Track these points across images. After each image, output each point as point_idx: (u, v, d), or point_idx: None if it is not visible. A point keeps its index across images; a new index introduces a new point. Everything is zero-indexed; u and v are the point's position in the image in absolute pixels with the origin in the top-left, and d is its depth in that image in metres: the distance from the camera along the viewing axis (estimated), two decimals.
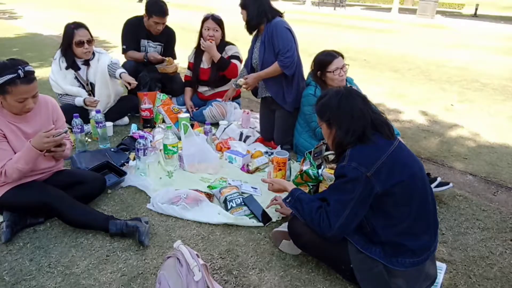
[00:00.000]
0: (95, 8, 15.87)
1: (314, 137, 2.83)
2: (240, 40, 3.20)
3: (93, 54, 3.29)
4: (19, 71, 1.85)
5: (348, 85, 2.83)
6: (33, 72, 1.94)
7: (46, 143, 1.94)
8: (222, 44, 3.57)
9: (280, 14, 2.92)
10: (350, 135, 1.58)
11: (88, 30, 3.19)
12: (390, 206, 1.55)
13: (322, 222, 1.58)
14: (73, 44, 3.13)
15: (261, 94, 3.12)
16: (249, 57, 3.13)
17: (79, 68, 3.26)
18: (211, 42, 3.45)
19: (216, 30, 3.48)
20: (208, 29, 3.47)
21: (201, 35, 3.53)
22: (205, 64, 3.64)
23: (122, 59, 3.79)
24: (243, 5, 2.92)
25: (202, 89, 3.75)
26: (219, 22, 3.50)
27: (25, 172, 1.98)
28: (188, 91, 3.82)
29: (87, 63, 3.27)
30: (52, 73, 3.26)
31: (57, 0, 18.26)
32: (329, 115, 1.66)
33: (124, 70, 3.31)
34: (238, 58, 3.58)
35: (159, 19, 3.66)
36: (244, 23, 2.97)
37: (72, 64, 3.22)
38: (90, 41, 3.20)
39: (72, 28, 3.13)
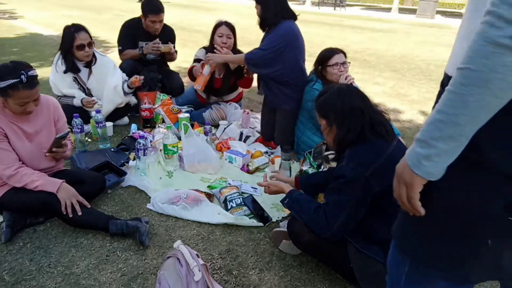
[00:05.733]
0: (95, 7, 15.85)
1: (319, 134, 2.78)
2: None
3: (94, 56, 3.25)
4: (22, 76, 1.85)
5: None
6: (36, 76, 1.93)
7: (68, 200, 2.00)
8: (234, 52, 3.46)
9: (295, 17, 2.83)
10: (351, 133, 1.59)
11: (88, 32, 3.15)
12: (389, 206, 1.54)
13: (320, 222, 1.59)
14: (74, 48, 3.09)
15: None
16: None
17: (79, 70, 3.24)
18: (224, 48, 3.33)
19: (229, 37, 3.41)
20: (221, 36, 3.39)
21: (212, 41, 3.44)
22: (216, 73, 3.53)
23: (120, 60, 3.79)
24: None
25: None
26: (232, 28, 3.44)
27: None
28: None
29: (88, 65, 3.25)
30: (52, 74, 3.25)
31: (57, 0, 18.26)
32: (329, 113, 1.66)
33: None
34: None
35: (155, 17, 3.64)
36: (257, 19, 2.82)
37: (72, 67, 3.18)
38: (91, 43, 3.16)
39: (73, 32, 3.07)
